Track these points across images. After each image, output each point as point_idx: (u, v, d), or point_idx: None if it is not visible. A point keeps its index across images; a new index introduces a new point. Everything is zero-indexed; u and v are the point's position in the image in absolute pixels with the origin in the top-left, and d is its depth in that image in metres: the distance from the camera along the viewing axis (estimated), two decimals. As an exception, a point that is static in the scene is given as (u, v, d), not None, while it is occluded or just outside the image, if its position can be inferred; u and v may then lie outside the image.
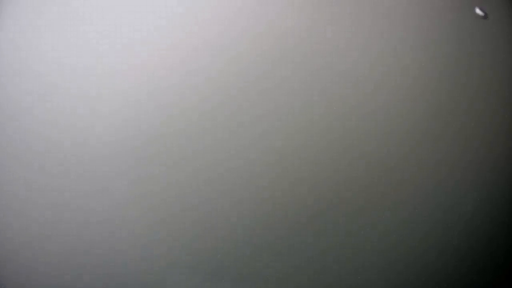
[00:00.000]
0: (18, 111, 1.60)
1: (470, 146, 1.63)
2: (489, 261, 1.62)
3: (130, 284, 1.57)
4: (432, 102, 1.63)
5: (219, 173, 1.58)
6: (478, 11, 1.36)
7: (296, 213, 1.58)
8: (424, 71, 1.64)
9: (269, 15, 1.62)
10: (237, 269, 1.57)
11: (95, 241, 1.57)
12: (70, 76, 1.60)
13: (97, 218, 1.57)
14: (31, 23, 1.62)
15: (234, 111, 1.59)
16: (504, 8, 1.66)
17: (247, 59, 1.61)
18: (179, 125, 1.59)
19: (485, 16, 1.28)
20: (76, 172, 1.58)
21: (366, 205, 1.59)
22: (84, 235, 1.57)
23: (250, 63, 1.60)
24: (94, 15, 1.62)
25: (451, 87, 1.64)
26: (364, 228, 1.59)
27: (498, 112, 1.64)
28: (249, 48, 1.61)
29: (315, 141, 1.59)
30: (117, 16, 1.61)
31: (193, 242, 1.58)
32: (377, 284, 1.58)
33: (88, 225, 1.57)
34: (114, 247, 1.57)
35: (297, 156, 1.59)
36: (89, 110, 1.59)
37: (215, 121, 1.59)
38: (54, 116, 1.59)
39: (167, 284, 1.58)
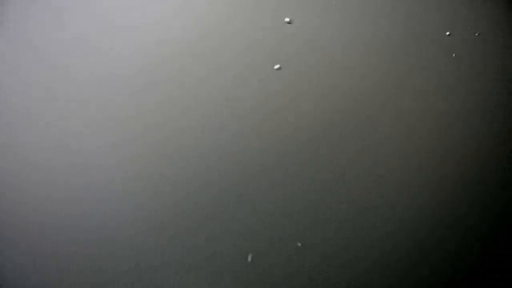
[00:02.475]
0: (17, 110, 1.60)
1: (469, 144, 1.63)
2: (488, 260, 1.62)
3: (129, 284, 1.58)
4: (432, 100, 1.63)
5: (217, 168, 1.59)
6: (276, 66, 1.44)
7: (296, 212, 1.59)
8: (423, 69, 1.64)
9: (269, 15, 1.62)
10: (235, 268, 1.58)
11: (94, 240, 1.58)
12: (71, 74, 1.60)
13: (96, 217, 1.58)
14: (30, 23, 1.62)
15: (234, 109, 1.60)
16: (504, 8, 1.67)
17: (248, 58, 1.61)
18: (179, 124, 1.59)
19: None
20: (76, 170, 1.58)
21: (364, 203, 1.59)
22: (83, 234, 1.58)
23: (250, 62, 1.61)
24: (94, 13, 1.62)
25: (451, 86, 1.64)
26: (362, 228, 1.59)
27: (499, 110, 1.64)
28: (250, 46, 1.61)
29: (313, 139, 1.60)
30: (117, 14, 1.62)
31: (192, 241, 1.58)
32: (372, 280, 1.59)
33: (87, 224, 1.58)
34: (112, 246, 1.57)
35: (296, 155, 1.59)
36: (89, 109, 1.60)
37: (215, 121, 1.59)
38: (54, 114, 1.60)
39: (166, 284, 1.58)
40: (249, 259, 1.43)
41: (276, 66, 1.49)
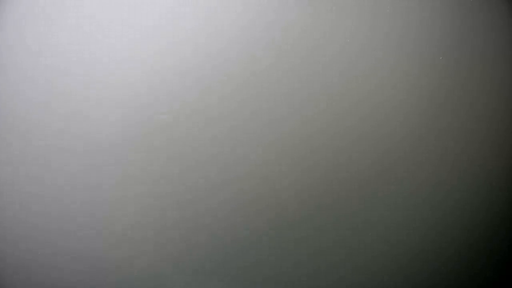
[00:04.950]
0: (17, 110, 1.60)
1: (470, 145, 1.63)
2: (488, 260, 1.62)
3: (127, 283, 1.58)
4: (432, 101, 1.63)
5: (218, 172, 1.59)
6: None
7: (295, 213, 1.59)
8: (424, 70, 1.64)
9: (269, 15, 1.62)
10: (235, 268, 1.58)
11: (92, 240, 1.58)
12: (71, 74, 1.60)
13: (95, 218, 1.58)
14: (30, 23, 1.62)
15: (233, 110, 1.60)
16: (504, 8, 1.67)
17: (247, 59, 1.61)
18: (178, 124, 1.59)
19: None
20: (76, 170, 1.58)
21: (365, 203, 1.59)
22: (82, 234, 1.58)
23: (250, 63, 1.61)
24: (96, 13, 1.62)
25: (451, 86, 1.64)
26: (362, 228, 1.59)
27: (499, 110, 1.65)
28: (249, 47, 1.61)
29: (313, 139, 1.60)
30: (119, 14, 1.62)
31: (190, 241, 1.58)
32: (374, 284, 1.59)
33: (85, 224, 1.58)
34: (111, 246, 1.58)
35: (296, 155, 1.59)
36: (89, 109, 1.59)
37: (214, 121, 1.59)
38: (54, 115, 1.60)
39: (165, 283, 1.58)
40: None
41: None
